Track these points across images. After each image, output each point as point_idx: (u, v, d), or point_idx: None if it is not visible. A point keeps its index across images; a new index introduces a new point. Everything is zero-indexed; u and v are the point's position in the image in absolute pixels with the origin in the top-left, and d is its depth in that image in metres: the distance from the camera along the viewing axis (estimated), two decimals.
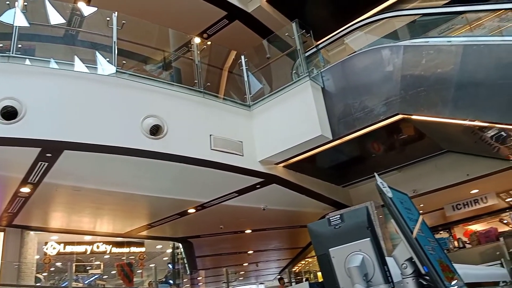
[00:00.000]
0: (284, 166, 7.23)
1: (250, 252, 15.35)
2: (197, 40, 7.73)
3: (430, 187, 8.20)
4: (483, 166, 7.42)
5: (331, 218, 2.11)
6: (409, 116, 5.78)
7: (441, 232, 12.25)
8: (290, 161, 7.06)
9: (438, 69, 5.33)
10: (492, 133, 5.98)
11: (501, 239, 8.01)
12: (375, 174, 2.37)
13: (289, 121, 6.56)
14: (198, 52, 7.24)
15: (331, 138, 6.33)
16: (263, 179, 7.19)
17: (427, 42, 5.63)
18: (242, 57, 7.70)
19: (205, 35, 9.82)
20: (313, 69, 6.99)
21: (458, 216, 10.89)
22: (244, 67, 7.59)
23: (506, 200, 10.45)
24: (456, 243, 10.75)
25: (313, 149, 6.69)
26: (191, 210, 8.53)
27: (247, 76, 7.52)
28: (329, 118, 6.47)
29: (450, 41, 5.38)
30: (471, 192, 9.21)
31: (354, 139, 6.62)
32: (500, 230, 10.33)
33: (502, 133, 5.76)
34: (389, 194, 2.14)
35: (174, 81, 7.32)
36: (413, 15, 6.30)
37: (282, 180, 7.34)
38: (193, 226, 10.31)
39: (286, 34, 7.53)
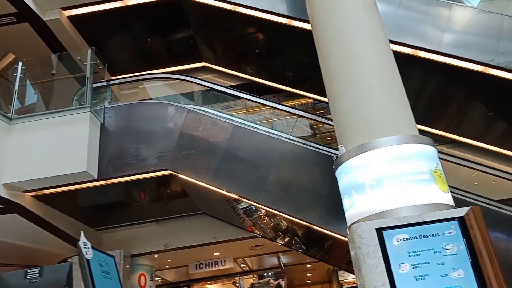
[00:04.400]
0: (33, 196, 6.39)
1: None
2: None
3: (181, 243, 8.60)
4: (228, 232, 8.34)
5: (29, 271, 1.95)
6: (177, 174, 6.12)
7: None
8: (43, 192, 6.30)
9: (211, 139, 5.95)
10: (244, 206, 6.88)
11: None
12: (81, 232, 2.34)
13: (56, 148, 5.97)
14: None
15: (95, 177, 6.04)
16: (1, 206, 6.12)
17: (206, 112, 6.26)
18: (20, 63, 6.77)
19: None
20: (97, 102, 6.72)
21: (199, 275, 11.68)
22: (18, 75, 6.66)
23: (241, 266, 11.91)
24: None
25: (74, 184, 6.21)
26: None
27: (18, 85, 6.59)
28: (100, 156, 6.21)
29: (225, 118, 6.13)
30: (214, 254, 10.10)
31: (121, 184, 6.51)
32: None
33: (252, 207, 6.69)
34: (89, 255, 2.12)
35: None
36: (202, 85, 6.96)
37: (27, 211, 6.41)
38: None
39: (79, 58, 7.10)
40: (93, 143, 6.13)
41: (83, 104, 6.31)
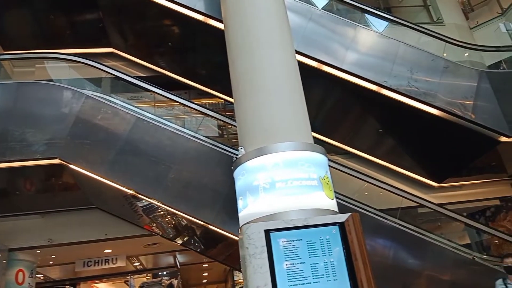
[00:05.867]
0: None
1: None
2: None
3: (68, 239, 7.99)
4: (122, 229, 7.95)
5: None
6: (67, 164, 5.66)
7: (67, 286, 11.98)
8: None
9: (109, 129, 5.62)
10: (144, 204, 6.59)
11: None
12: None
13: None
14: None
15: None
16: None
17: (107, 100, 5.91)
18: None
19: None
20: None
21: (87, 273, 10.97)
22: None
23: (134, 264, 11.45)
24: None
25: None
26: None
27: None
28: None
29: (127, 109, 5.84)
30: (104, 251, 9.56)
31: (1, 170, 5.84)
32: None
33: (153, 205, 6.43)
34: None
35: None
36: (105, 72, 6.55)
37: None
38: None
39: None
40: None
41: None
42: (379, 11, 7.80)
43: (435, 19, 10.10)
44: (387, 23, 7.89)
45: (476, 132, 6.44)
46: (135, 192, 5.46)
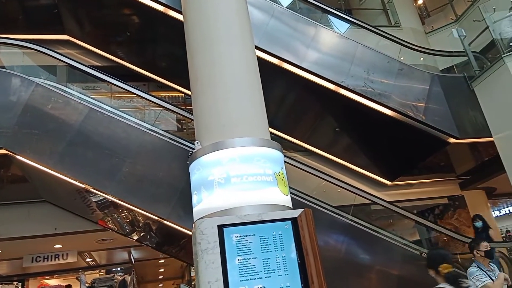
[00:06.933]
0: None
1: None
2: None
3: (15, 233, 7.58)
4: (73, 223, 7.65)
5: None
6: (14, 154, 5.37)
7: (15, 282, 11.40)
8: None
9: (60, 120, 5.38)
10: (98, 199, 6.33)
11: None
12: None
13: None
14: None
15: None
16: None
17: (59, 89, 5.65)
18: None
19: None
20: None
21: (36, 269, 10.47)
22: None
23: (86, 260, 11.07)
24: None
25: None
26: None
27: None
28: None
29: (81, 99, 5.61)
30: (54, 246, 9.18)
31: None
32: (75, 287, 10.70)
33: (108, 200, 6.19)
34: None
35: None
36: (56, 59, 6.24)
37: None
38: None
39: None
40: None
41: None
42: (340, 12, 7.96)
43: (393, 23, 10.43)
44: (349, 25, 8.06)
45: (427, 133, 6.72)
46: (87, 185, 5.26)
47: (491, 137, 6.82)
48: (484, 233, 7.43)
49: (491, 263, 4.49)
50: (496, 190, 10.37)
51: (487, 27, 7.21)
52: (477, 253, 4.44)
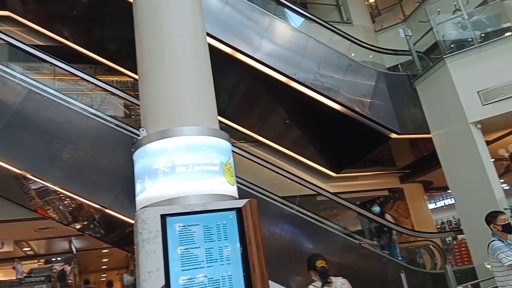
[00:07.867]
0: None
1: None
2: None
3: None
4: (8, 211, 7.18)
5: None
6: None
7: None
8: None
9: None
10: (37, 186, 5.97)
11: None
12: None
13: None
14: None
15: None
16: None
17: None
18: None
19: None
20: None
21: None
22: None
23: (24, 249, 10.50)
24: None
25: None
26: None
27: None
28: None
29: (19, 79, 5.26)
30: None
31: None
32: (12, 278, 10.08)
33: (48, 189, 5.85)
34: None
35: None
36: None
37: None
38: None
39: None
40: None
41: None
42: (293, 4, 8.01)
43: (345, 19, 10.69)
44: (304, 19, 8.16)
45: (371, 128, 6.99)
46: (23, 171, 4.96)
47: (430, 133, 7.22)
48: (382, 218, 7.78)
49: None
50: (433, 183, 11.04)
51: (431, 29, 7.57)
52: (494, 227, 4.03)
